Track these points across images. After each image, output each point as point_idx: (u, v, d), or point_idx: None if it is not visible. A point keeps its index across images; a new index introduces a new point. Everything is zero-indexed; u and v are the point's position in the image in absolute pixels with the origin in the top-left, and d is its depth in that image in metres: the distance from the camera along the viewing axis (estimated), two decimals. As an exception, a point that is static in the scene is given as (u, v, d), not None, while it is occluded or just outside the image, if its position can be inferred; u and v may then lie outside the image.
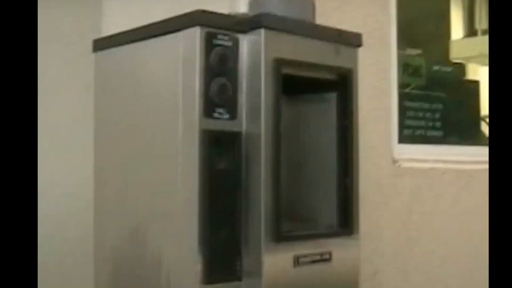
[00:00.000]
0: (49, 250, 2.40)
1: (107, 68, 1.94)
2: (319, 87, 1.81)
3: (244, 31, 1.65)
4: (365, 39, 1.88)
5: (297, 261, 1.66)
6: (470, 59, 3.96)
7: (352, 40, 1.84)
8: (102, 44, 1.97)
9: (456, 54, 4.03)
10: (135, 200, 1.77)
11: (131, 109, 1.81)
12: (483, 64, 4.35)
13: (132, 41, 1.81)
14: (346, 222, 1.75)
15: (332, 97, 1.83)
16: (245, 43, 1.65)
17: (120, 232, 1.84)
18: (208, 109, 1.57)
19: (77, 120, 2.58)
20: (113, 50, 1.89)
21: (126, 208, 1.81)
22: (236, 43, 1.63)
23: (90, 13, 2.79)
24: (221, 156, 1.58)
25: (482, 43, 3.87)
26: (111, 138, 1.91)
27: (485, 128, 3.64)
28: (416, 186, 2.64)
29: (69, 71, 2.68)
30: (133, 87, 1.81)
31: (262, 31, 1.62)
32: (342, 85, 1.81)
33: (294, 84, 1.72)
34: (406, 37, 2.91)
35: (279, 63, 1.63)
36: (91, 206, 1.98)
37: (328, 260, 1.73)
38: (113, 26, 2.69)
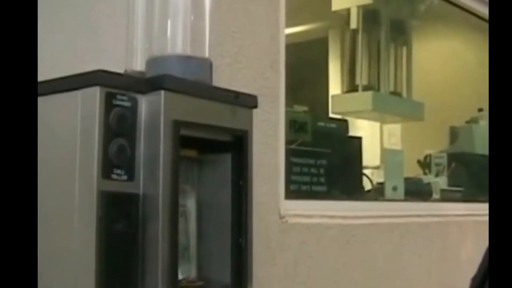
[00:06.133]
0: None
1: None
2: (215, 147, 1.83)
3: (143, 92, 1.65)
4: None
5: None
6: (350, 114, 4.10)
7: (248, 102, 1.88)
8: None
9: (336, 108, 4.17)
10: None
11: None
12: (363, 119, 4.52)
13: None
14: (240, 283, 1.76)
15: (227, 157, 1.86)
16: (144, 103, 1.65)
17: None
18: (106, 170, 1.56)
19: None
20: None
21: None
22: (135, 103, 1.63)
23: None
24: (119, 217, 1.57)
25: (363, 98, 4.04)
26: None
27: (366, 183, 3.77)
28: (303, 241, 2.69)
29: None
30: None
31: (162, 92, 1.63)
32: (237, 146, 1.84)
33: (191, 145, 1.74)
34: (292, 94, 2.98)
35: (177, 125, 1.64)
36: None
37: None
38: None
